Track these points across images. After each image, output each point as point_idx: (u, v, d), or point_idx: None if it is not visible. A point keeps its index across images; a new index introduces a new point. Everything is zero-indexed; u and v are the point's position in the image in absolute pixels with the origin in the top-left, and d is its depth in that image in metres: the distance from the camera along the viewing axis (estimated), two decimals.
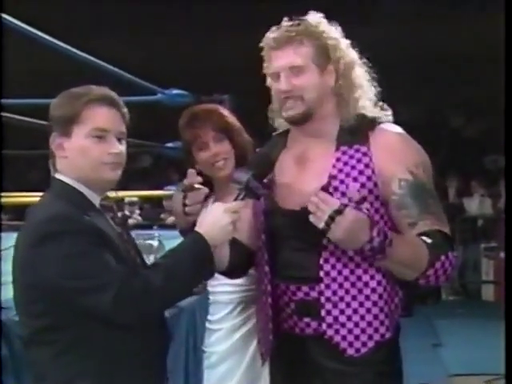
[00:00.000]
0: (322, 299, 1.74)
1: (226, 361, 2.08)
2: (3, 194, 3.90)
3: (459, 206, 8.42)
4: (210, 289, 2.15)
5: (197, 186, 1.82)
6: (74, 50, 3.20)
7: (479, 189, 8.59)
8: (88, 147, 1.56)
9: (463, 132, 10.90)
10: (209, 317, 2.16)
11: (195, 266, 1.56)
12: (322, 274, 1.73)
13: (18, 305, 1.56)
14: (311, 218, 1.62)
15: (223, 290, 2.09)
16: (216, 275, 1.71)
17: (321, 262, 1.73)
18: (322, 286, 1.73)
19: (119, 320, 1.50)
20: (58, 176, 1.60)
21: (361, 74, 1.81)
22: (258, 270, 1.87)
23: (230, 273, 1.84)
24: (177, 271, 1.53)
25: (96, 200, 1.60)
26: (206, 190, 1.83)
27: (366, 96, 1.82)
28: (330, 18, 1.81)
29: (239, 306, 2.09)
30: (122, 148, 1.60)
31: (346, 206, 1.61)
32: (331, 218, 1.59)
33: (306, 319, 1.76)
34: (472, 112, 10.77)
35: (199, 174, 2.03)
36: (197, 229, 1.60)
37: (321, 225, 1.61)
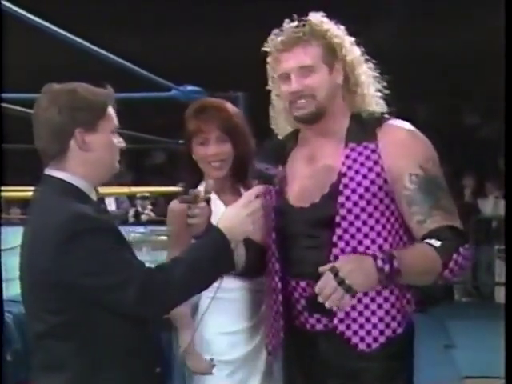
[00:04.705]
0: None
1: (244, 367, 2.00)
2: (19, 187, 3.91)
3: (474, 207, 8.37)
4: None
5: (201, 197, 1.80)
6: (91, 46, 3.21)
7: (494, 190, 8.54)
8: (113, 142, 1.64)
9: (479, 132, 10.83)
10: (210, 320, 1.96)
11: (215, 262, 1.59)
12: None
13: (35, 302, 1.58)
14: (329, 304, 1.58)
15: (235, 286, 2.00)
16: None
17: (331, 258, 1.73)
18: None
19: (142, 314, 1.55)
20: (58, 175, 1.60)
21: (366, 70, 1.82)
22: (267, 267, 1.87)
23: (247, 272, 1.85)
24: (197, 266, 1.56)
25: (94, 196, 1.64)
26: (204, 203, 1.79)
27: (373, 91, 1.83)
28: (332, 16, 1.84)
29: (254, 304, 2.02)
30: None
31: (333, 265, 1.59)
32: (340, 282, 1.57)
33: (317, 315, 1.76)
34: (489, 112, 10.70)
35: (195, 164, 2.05)
36: (217, 224, 1.64)
37: (341, 299, 1.57)
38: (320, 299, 1.59)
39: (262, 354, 2.01)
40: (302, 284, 1.77)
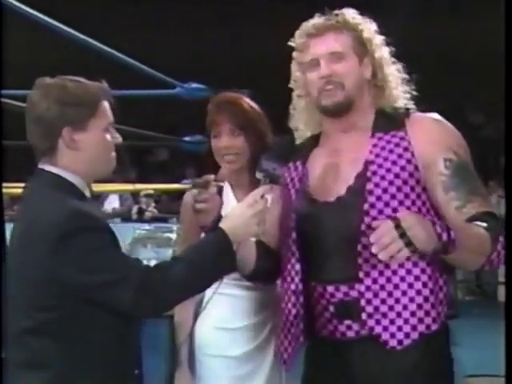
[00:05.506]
0: (362, 288, 1.65)
1: (249, 363, 1.98)
2: (23, 184, 3.91)
3: None
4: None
5: (212, 183, 1.78)
6: (95, 42, 3.21)
7: (497, 189, 8.52)
8: (106, 140, 1.59)
9: (482, 131, 10.81)
10: (210, 314, 1.97)
11: (216, 261, 1.57)
12: (360, 261, 1.66)
13: (24, 298, 1.54)
14: (383, 256, 1.47)
15: (240, 283, 1.97)
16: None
17: (359, 248, 1.66)
18: (361, 274, 1.66)
19: (139, 313, 1.52)
20: (52, 169, 1.57)
21: (395, 70, 1.80)
22: (284, 269, 1.78)
23: (255, 277, 1.79)
24: (197, 265, 1.54)
25: (87, 192, 1.62)
26: (215, 190, 1.78)
27: (401, 92, 1.80)
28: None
29: (259, 302, 1.99)
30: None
31: (395, 217, 1.50)
32: (402, 234, 1.47)
33: (347, 321, 1.68)
34: (492, 111, 10.68)
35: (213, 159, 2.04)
36: (220, 224, 1.61)
37: (403, 250, 1.47)
38: (374, 249, 1.47)
39: (269, 351, 1.98)
40: (330, 289, 1.69)
